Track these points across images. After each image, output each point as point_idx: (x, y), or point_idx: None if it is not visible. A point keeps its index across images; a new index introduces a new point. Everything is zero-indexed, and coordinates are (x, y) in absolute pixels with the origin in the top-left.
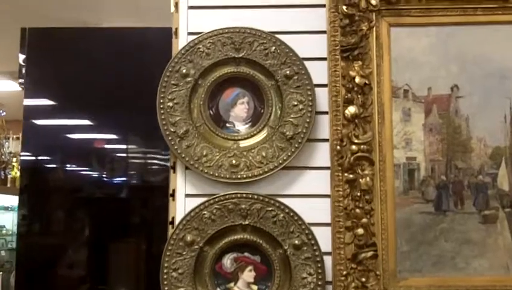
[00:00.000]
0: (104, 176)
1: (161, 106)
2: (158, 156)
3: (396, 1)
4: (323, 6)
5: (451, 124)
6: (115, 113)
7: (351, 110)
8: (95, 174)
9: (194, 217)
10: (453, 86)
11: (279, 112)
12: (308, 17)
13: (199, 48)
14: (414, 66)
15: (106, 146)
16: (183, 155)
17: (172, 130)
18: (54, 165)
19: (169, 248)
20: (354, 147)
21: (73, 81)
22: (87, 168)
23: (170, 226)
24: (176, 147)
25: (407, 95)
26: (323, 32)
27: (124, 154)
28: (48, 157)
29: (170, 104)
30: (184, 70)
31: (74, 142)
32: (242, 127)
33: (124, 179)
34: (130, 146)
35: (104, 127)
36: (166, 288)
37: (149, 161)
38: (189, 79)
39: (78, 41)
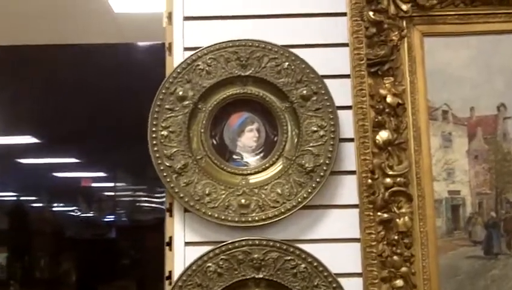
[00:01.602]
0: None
1: (153, 136)
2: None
3: (430, 6)
4: (344, 14)
5: (500, 150)
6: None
7: (383, 135)
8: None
9: (196, 270)
10: (500, 104)
11: (295, 139)
12: (327, 28)
13: (198, 65)
14: (453, 83)
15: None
16: (181, 195)
17: (167, 164)
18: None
19: None
20: (388, 180)
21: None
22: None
23: (167, 282)
24: (172, 185)
25: (447, 117)
26: (345, 44)
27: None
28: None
29: (165, 132)
30: (181, 92)
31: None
32: (252, 159)
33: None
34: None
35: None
36: None
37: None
38: (187, 102)
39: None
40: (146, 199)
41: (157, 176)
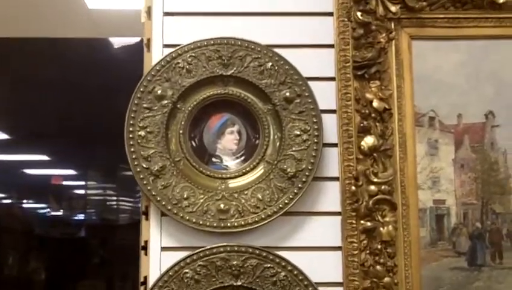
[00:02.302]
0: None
1: (130, 136)
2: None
3: (420, 8)
4: (331, 14)
5: (487, 159)
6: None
7: (369, 141)
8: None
9: (172, 276)
10: (488, 112)
11: (278, 143)
12: (313, 28)
13: (178, 63)
14: (441, 88)
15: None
16: (158, 198)
17: (144, 166)
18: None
19: None
20: (372, 187)
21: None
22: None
23: (142, 288)
24: (149, 188)
25: (433, 124)
26: (331, 46)
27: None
28: None
29: (142, 133)
30: (159, 91)
31: None
32: (232, 163)
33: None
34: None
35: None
36: None
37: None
38: (165, 102)
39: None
40: (117, 198)
41: (129, 176)
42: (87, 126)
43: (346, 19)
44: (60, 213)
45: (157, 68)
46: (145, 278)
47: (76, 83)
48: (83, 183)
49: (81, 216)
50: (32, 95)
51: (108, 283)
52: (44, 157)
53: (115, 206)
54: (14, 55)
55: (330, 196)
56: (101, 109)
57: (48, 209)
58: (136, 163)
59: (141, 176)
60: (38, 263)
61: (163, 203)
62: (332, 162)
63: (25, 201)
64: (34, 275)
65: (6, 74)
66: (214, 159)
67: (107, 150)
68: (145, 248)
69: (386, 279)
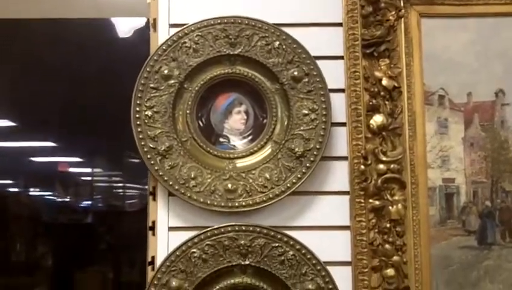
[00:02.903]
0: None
1: (137, 116)
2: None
3: None
4: None
5: (497, 137)
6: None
7: (378, 119)
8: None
9: (180, 256)
10: (498, 90)
11: (285, 123)
12: (321, 6)
13: (185, 42)
14: (450, 67)
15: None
16: (165, 178)
17: (151, 146)
18: None
19: None
20: (381, 166)
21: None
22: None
23: (149, 268)
24: (156, 168)
25: (443, 102)
26: (339, 24)
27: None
28: None
29: (149, 113)
30: (166, 71)
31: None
32: (239, 143)
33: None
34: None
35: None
36: None
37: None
38: (172, 82)
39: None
40: (123, 185)
41: (136, 163)
42: (94, 113)
43: None
44: (66, 200)
45: (164, 48)
46: (153, 258)
47: (83, 66)
48: (89, 170)
49: (87, 203)
50: (37, 80)
51: (116, 268)
52: (51, 144)
53: (122, 193)
54: (17, 37)
55: (338, 176)
56: (108, 95)
57: (55, 196)
58: (143, 143)
59: (148, 156)
60: (46, 248)
61: (171, 183)
62: (340, 142)
63: (31, 188)
64: (41, 260)
65: (9, 58)
66: (221, 139)
67: (114, 137)
68: (152, 228)
69: (395, 258)
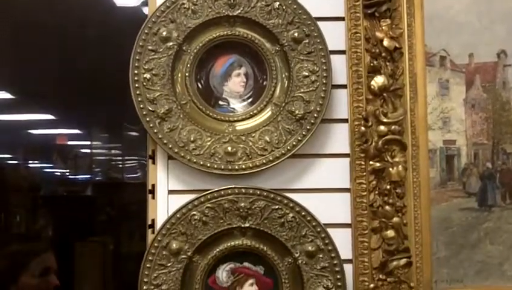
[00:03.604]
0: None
1: (136, 78)
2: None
3: None
4: None
5: (498, 98)
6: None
7: (379, 80)
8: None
9: (180, 219)
10: (500, 51)
11: (286, 85)
12: None
13: (183, 4)
14: (452, 28)
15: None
16: (165, 141)
17: (150, 109)
18: None
19: (150, 258)
20: (382, 127)
21: None
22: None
23: (150, 231)
24: (155, 131)
25: (444, 63)
26: None
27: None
28: None
29: (147, 75)
30: (164, 33)
31: None
32: (239, 105)
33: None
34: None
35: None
36: None
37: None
38: (171, 44)
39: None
40: (122, 157)
41: (135, 136)
42: (92, 84)
43: None
44: (66, 172)
45: (162, 9)
46: (153, 221)
47: (81, 35)
48: (88, 142)
49: (87, 175)
50: (37, 51)
51: (115, 239)
52: (49, 117)
53: (121, 165)
54: (14, 6)
55: (339, 138)
56: (108, 63)
57: (54, 169)
58: (141, 106)
59: (147, 119)
60: (46, 220)
61: (170, 146)
62: (341, 104)
63: (30, 161)
64: (41, 231)
65: (8, 28)
66: (220, 102)
67: (113, 109)
68: (152, 192)
69: (395, 219)
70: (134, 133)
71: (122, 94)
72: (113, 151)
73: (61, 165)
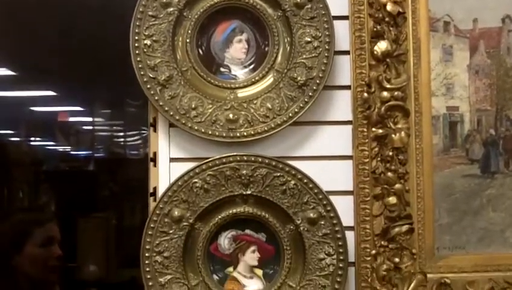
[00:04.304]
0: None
1: (136, 45)
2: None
3: None
4: None
5: (503, 64)
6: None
7: (382, 46)
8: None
9: (181, 186)
10: (505, 16)
11: (288, 51)
12: None
13: None
14: None
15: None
16: (166, 108)
17: (151, 75)
18: None
19: (152, 225)
20: (385, 93)
21: None
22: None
23: (151, 199)
24: (156, 98)
25: (448, 29)
26: None
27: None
28: None
29: (148, 42)
30: None
31: None
32: (240, 72)
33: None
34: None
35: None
36: (148, 276)
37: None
38: (171, 9)
39: None
40: (124, 133)
41: (136, 112)
42: (93, 61)
43: None
44: (68, 149)
45: None
46: (155, 189)
47: (83, 10)
48: (90, 119)
49: (89, 151)
50: (37, 26)
51: (118, 214)
52: (51, 93)
53: (123, 141)
54: None
55: (341, 105)
56: (110, 40)
57: (56, 145)
58: (142, 73)
59: (148, 86)
60: (48, 196)
61: (171, 113)
62: (343, 70)
63: (32, 138)
64: (45, 207)
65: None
66: (222, 69)
67: (114, 86)
68: (153, 160)
69: (397, 186)
70: (135, 109)
71: (124, 70)
72: (114, 128)
73: (63, 141)
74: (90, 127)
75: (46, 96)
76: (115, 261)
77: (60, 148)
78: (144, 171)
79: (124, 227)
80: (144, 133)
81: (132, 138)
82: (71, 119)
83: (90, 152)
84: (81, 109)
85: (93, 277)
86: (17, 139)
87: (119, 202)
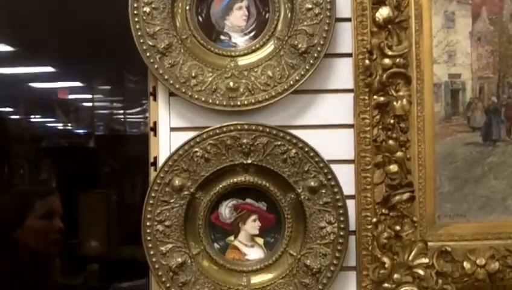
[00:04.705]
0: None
1: (135, 12)
2: None
3: None
4: None
5: (505, 31)
6: None
7: (384, 12)
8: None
9: (182, 156)
10: None
11: (288, 18)
12: None
13: None
14: None
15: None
16: (166, 77)
17: (150, 43)
18: None
19: (153, 195)
20: (387, 60)
21: None
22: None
23: (152, 168)
24: (156, 66)
25: None
26: None
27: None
28: None
29: (147, 9)
30: None
31: None
32: (241, 40)
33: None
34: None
35: None
36: (150, 245)
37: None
38: None
39: None
40: (124, 110)
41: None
42: (92, 36)
43: None
44: (68, 125)
45: None
46: (155, 158)
47: None
48: (89, 96)
49: (89, 128)
50: (33, 1)
51: (119, 191)
52: (50, 69)
53: (123, 118)
54: None
55: (342, 73)
56: (110, 13)
57: (56, 122)
58: (141, 41)
59: (147, 54)
60: (49, 172)
61: (171, 82)
62: (345, 38)
63: (32, 115)
64: (45, 183)
65: None
66: (222, 37)
67: (115, 61)
68: (154, 129)
69: (399, 154)
70: (135, 85)
71: (123, 44)
72: (114, 105)
73: (63, 118)
74: (90, 104)
75: (45, 72)
76: (116, 238)
77: (60, 125)
78: (144, 147)
79: (125, 204)
80: (144, 104)
81: (132, 116)
82: (71, 96)
83: (90, 129)
84: (81, 85)
85: (95, 252)
86: (17, 116)
87: (120, 179)
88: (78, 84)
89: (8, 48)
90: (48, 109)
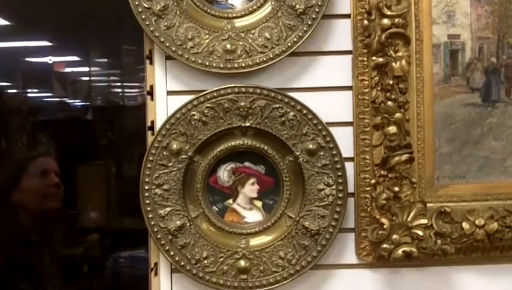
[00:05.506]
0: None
1: None
2: None
3: None
4: None
5: None
6: None
7: None
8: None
9: (179, 119)
10: None
11: None
12: None
13: None
14: None
15: None
16: (162, 39)
17: (146, 5)
18: None
19: (151, 158)
20: (385, 20)
21: None
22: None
23: (149, 133)
24: (152, 29)
25: None
26: None
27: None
28: None
29: None
30: None
31: None
32: (238, 1)
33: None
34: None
35: None
36: (148, 208)
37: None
38: None
39: None
40: (121, 84)
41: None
42: (89, 8)
43: None
44: (65, 98)
45: None
46: (152, 122)
47: None
48: (86, 69)
49: (87, 101)
50: None
51: (117, 162)
52: (46, 43)
53: (121, 91)
54: None
55: (341, 34)
56: None
57: (53, 97)
58: (136, 3)
59: (143, 17)
60: (47, 144)
61: (167, 44)
62: None
63: (29, 88)
64: (44, 154)
65: None
66: None
67: (112, 35)
68: (151, 93)
69: (397, 115)
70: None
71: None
72: (112, 78)
73: (60, 92)
74: (87, 78)
75: (42, 46)
76: (116, 209)
77: (57, 99)
78: (142, 118)
79: (123, 175)
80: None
81: (130, 89)
82: (67, 69)
83: (88, 101)
84: (78, 59)
85: (95, 223)
86: (14, 90)
87: (118, 151)
88: (74, 58)
89: (5, 22)
90: (45, 82)
